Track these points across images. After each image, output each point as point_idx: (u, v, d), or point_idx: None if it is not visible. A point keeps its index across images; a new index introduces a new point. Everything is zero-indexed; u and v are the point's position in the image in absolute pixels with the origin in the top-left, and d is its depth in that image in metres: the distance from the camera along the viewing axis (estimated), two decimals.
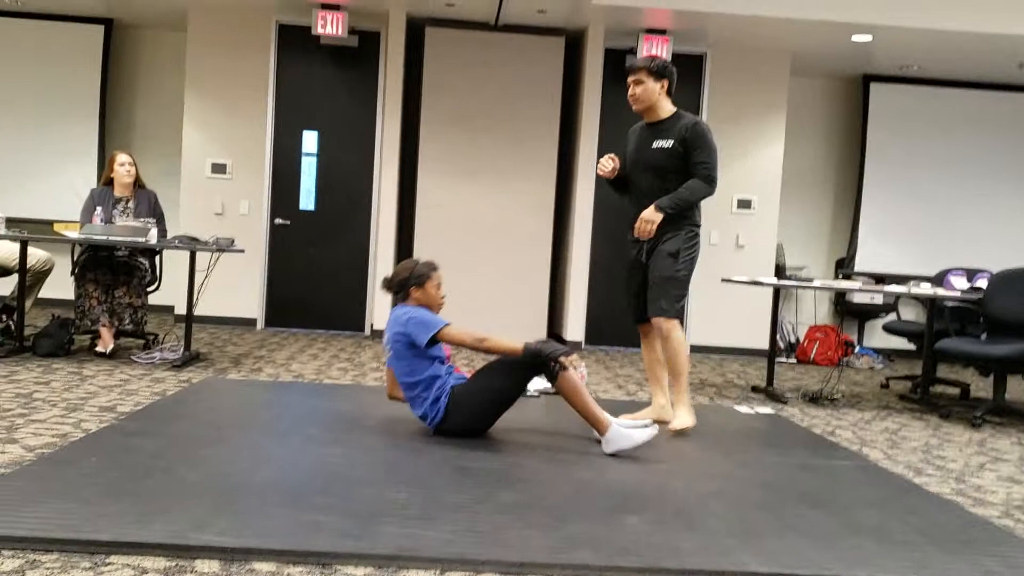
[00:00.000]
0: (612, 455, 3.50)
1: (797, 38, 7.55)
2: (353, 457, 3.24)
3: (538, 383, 5.16)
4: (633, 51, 7.67)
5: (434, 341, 3.58)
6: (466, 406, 3.62)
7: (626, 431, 3.53)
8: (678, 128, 4.21)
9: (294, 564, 2.22)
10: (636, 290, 4.38)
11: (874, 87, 8.63)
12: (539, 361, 3.50)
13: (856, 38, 7.37)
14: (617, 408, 4.25)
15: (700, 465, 3.49)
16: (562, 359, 3.49)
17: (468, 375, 5.33)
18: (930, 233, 8.64)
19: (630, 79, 4.26)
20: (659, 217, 4.13)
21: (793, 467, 3.56)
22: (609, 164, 4.31)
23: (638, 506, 2.83)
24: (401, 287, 3.76)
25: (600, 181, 7.84)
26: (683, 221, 4.24)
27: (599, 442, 3.57)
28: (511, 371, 3.61)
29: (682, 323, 4.31)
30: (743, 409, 5.00)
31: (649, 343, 4.44)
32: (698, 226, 4.32)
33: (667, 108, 4.30)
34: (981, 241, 8.57)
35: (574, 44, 7.99)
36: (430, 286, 3.74)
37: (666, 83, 4.26)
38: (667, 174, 4.20)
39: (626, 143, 4.48)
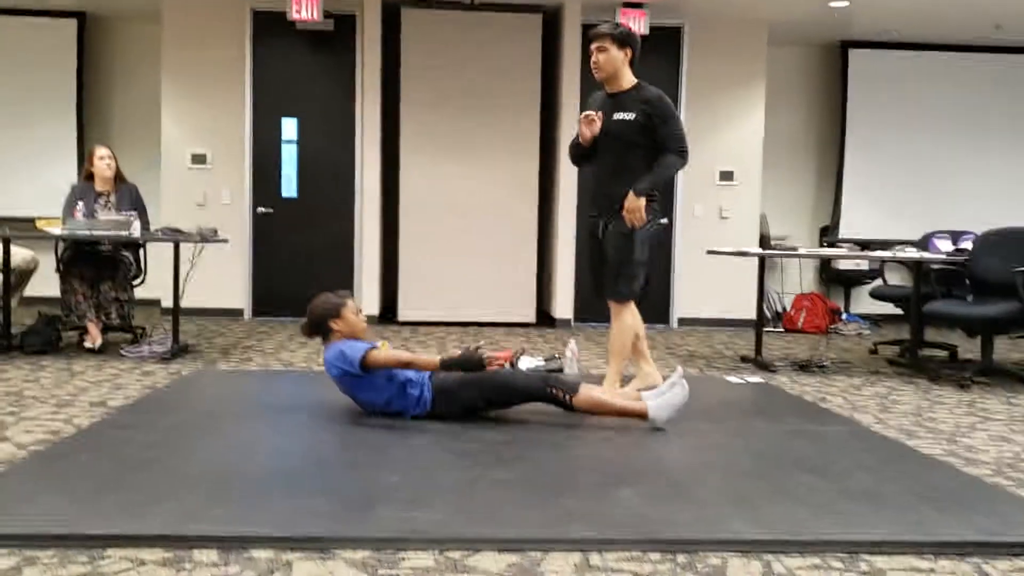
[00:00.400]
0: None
1: (774, 6, 7.54)
2: (345, 442, 3.24)
3: (529, 361, 5.19)
4: None
5: (366, 365, 3.53)
6: (452, 402, 3.61)
7: (663, 402, 3.52)
8: (639, 101, 4.10)
9: (292, 550, 2.22)
10: (596, 265, 4.31)
11: (853, 53, 8.63)
12: (466, 368, 3.52)
13: (833, 4, 7.37)
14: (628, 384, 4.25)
15: (692, 436, 3.50)
16: (487, 356, 3.44)
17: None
18: (913, 197, 8.68)
19: (593, 46, 4.12)
20: (643, 203, 4.05)
21: (786, 434, 3.57)
22: (594, 119, 4.13)
23: (632, 479, 2.84)
24: (320, 324, 3.70)
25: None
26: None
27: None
28: (507, 391, 3.59)
29: (640, 302, 4.28)
30: (733, 379, 5.02)
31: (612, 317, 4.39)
32: (656, 200, 4.21)
33: (629, 78, 4.19)
34: (964, 203, 8.61)
35: (551, 20, 7.94)
36: (347, 313, 3.68)
37: (630, 52, 4.15)
38: (626, 147, 4.11)
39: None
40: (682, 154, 4.10)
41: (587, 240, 4.40)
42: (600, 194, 4.24)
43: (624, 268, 4.14)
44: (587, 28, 7.67)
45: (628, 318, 4.21)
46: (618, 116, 4.13)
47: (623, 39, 4.12)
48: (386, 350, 3.59)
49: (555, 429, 3.52)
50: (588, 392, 3.56)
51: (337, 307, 3.70)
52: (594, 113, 4.16)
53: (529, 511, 2.50)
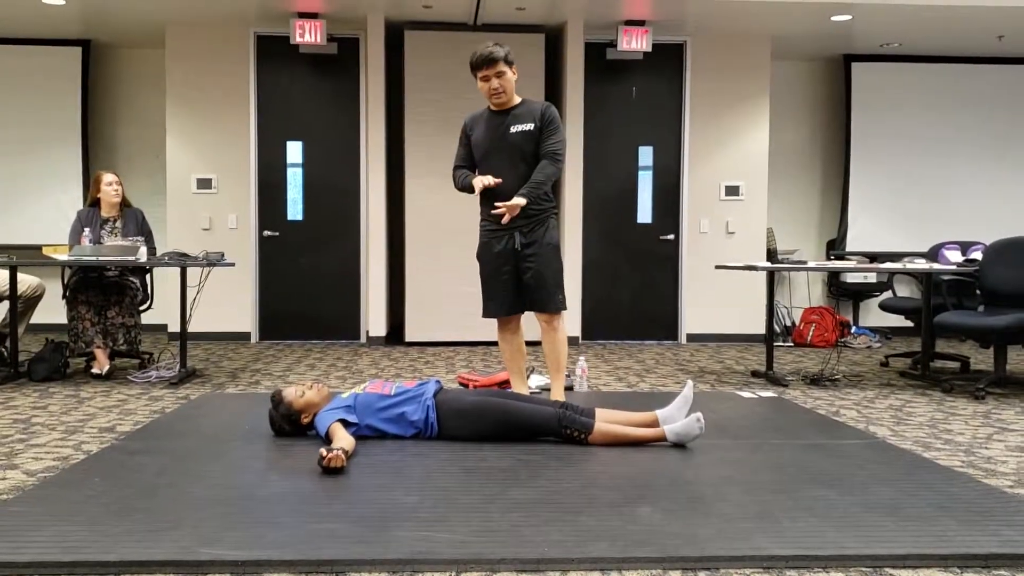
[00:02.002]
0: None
1: (776, 21, 7.55)
2: (359, 463, 3.21)
3: (539, 379, 5.16)
4: (613, 44, 7.65)
5: (345, 423, 3.47)
6: (463, 427, 3.58)
7: (680, 430, 3.50)
8: (534, 112, 4.24)
9: (307, 574, 2.19)
10: (509, 279, 4.31)
11: (856, 66, 8.63)
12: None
13: (835, 18, 7.37)
14: (639, 400, 4.22)
15: (709, 451, 3.46)
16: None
17: (469, 377, 5.32)
18: (919, 209, 8.65)
19: (489, 72, 4.16)
20: (524, 203, 4.14)
21: (802, 449, 3.53)
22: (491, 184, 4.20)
23: (651, 496, 2.80)
24: (289, 423, 3.61)
25: (590, 174, 7.81)
26: (550, 207, 4.30)
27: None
28: (521, 427, 3.56)
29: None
30: (746, 394, 4.98)
31: (513, 335, 4.44)
32: (557, 210, 4.39)
33: (516, 95, 4.32)
34: (971, 214, 8.59)
35: (554, 40, 7.96)
36: (298, 402, 3.59)
37: (515, 69, 4.27)
38: (528, 157, 4.22)
39: (468, 132, 4.38)
40: (557, 160, 4.22)
41: (489, 255, 4.34)
42: None
43: (560, 278, 4.28)
44: (590, 46, 7.77)
45: (563, 327, 4.34)
46: (517, 128, 4.23)
47: (512, 60, 4.24)
48: (336, 431, 3.43)
49: (571, 447, 3.49)
50: (603, 428, 3.52)
51: (287, 404, 3.59)
52: (492, 180, 4.19)
53: (547, 530, 2.46)
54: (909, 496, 2.83)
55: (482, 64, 4.16)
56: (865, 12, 7.20)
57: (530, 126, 4.21)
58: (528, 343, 4.56)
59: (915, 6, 6.98)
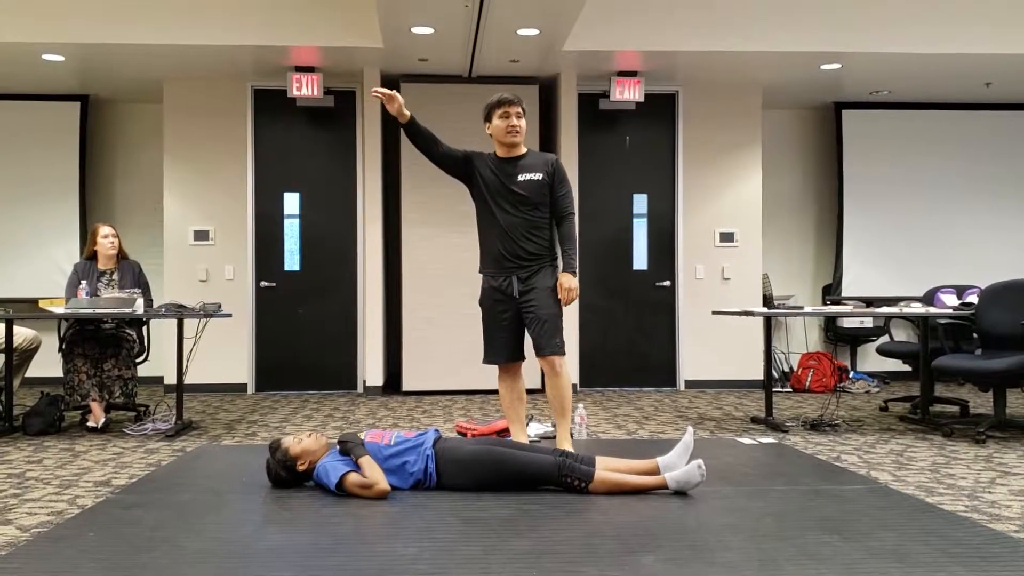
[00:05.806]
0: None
1: (767, 71, 7.65)
2: (357, 515, 3.17)
3: (538, 427, 5.13)
4: (606, 94, 7.74)
5: (340, 486, 3.43)
6: (461, 475, 3.55)
7: (681, 477, 3.46)
8: (542, 163, 4.35)
9: None
10: (509, 325, 4.34)
11: (846, 114, 8.73)
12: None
13: (825, 67, 7.48)
14: (639, 447, 4.19)
15: (710, 498, 3.43)
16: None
17: (467, 426, 5.28)
18: (914, 253, 8.69)
19: (512, 110, 4.31)
20: (576, 282, 4.27)
21: (804, 495, 3.51)
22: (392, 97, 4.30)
23: (652, 544, 2.77)
24: (286, 470, 3.58)
25: (586, 221, 7.85)
26: (549, 256, 4.37)
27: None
28: (520, 476, 3.53)
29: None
30: (746, 440, 4.95)
31: (513, 382, 4.45)
32: (556, 257, 4.43)
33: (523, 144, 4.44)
34: (965, 257, 8.62)
35: (548, 90, 8.06)
36: (295, 448, 3.55)
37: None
38: (534, 206, 4.30)
39: (472, 156, 4.50)
40: (573, 215, 4.40)
41: (490, 302, 4.39)
42: (510, 252, 4.31)
43: (559, 321, 4.30)
44: (583, 97, 7.86)
45: (567, 372, 4.33)
46: (525, 177, 4.31)
47: (525, 111, 4.38)
48: (354, 477, 3.43)
49: (571, 496, 3.45)
50: (604, 476, 3.48)
51: (284, 450, 3.56)
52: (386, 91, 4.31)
53: None
54: (914, 542, 2.80)
55: (505, 102, 4.32)
56: (854, 61, 7.31)
57: (539, 176, 4.29)
58: (528, 391, 4.52)
59: (903, 55, 7.09)
